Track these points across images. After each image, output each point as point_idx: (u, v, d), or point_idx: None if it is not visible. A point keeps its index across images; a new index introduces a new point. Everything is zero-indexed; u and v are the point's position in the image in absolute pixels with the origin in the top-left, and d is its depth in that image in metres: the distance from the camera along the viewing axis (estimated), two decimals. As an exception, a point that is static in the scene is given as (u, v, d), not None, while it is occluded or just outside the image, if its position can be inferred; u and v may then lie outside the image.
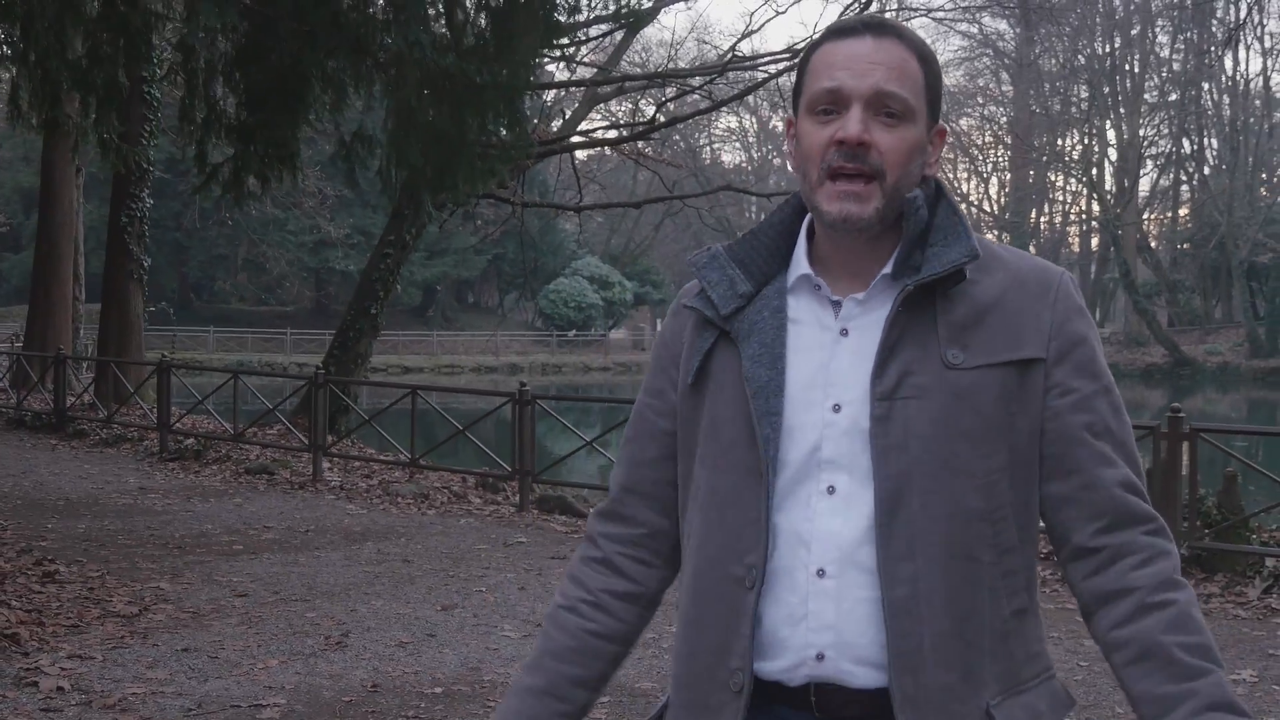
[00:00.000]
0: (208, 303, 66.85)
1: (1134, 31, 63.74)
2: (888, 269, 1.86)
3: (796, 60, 30.15)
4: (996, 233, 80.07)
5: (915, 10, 26.61)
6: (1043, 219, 79.31)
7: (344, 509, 12.42)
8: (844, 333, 1.86)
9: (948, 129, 2.00)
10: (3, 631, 7.02)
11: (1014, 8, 39.90)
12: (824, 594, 1.78)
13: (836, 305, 1.89)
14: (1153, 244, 68.45)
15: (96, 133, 14.81)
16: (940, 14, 33.16)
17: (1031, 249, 74.77)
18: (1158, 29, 64.23)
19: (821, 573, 1.79)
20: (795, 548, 1.81)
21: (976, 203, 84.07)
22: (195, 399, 17.31)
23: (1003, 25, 63.14)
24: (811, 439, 1.82)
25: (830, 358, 1.85)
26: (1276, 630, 7.72)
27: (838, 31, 1.89)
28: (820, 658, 1.78)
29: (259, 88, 11.65)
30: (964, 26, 63.99)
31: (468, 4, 11.20)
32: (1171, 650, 1.71)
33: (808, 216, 1.97)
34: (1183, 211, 70.70)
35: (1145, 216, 69.50)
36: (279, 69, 11.00)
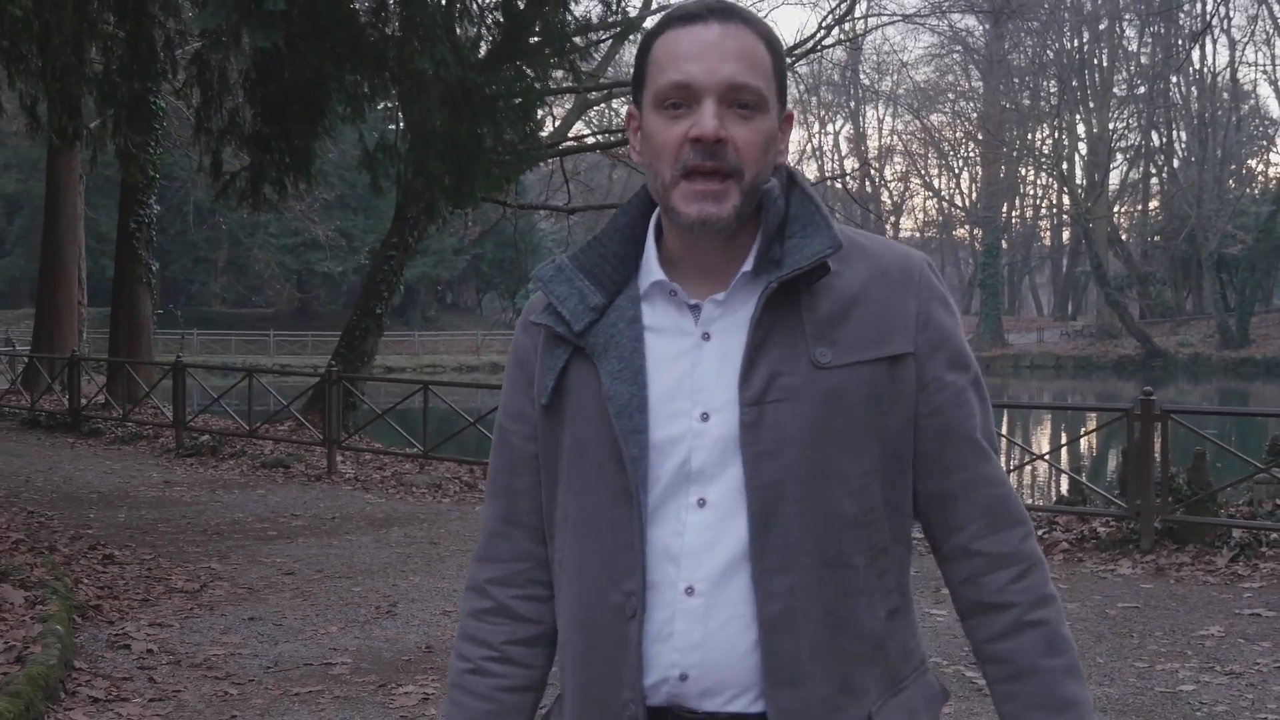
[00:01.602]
0: (188, 305, 67.25)
1: (1102, 26, 64.54)
2: (748, 266, 1.77)
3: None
4: (968, 228, 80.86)
5: (889, 15, 27.13)
6: (1014, 213, 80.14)
7: (363, 498, 13.11)
8: (705, 337, 1.78)
9: (794, 114, 1.91)
10: (87, 604, 7.73)
11: (984, 7, 40.58)
12: (691, 613, 1.72)
13: (695, 309, 1.79)
14: (1124, 237, 69.30)
15: (115, 143, 15.45)
16: (917, 19, 33.85)
17: (1004, 243, 75.67)
18: (1126, 23, 65.10)
19: (690, 590, 1.72)
20: (664, 564, 1.74)
21: (948, 198, 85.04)
22: (205, 398, 17.96)
23: (972, 21, 63.98)
24: (680, 452, 1.74)
25: (694, 365, 1.77)
26: (1242, 593, 8.43)
27: (681, 18, 1.78)
28: (683, 678, 1.73)
29: (277, 99, 12.28)
30: (933, 23, 65.11)
31: (478, 19, 11.88)
32: (1044, 676, 1.76)
33: (653, 216, 1.88)
34: (1153, 204, 71.57)
35: (1116, 210, 70.35)
36: (298, 82, 11.62)
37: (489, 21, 12.17)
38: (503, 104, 11.02)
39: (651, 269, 1.83)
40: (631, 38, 17.19)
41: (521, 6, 12.12)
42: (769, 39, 1.79)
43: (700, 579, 1.72)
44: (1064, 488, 14.77)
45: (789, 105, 1.86)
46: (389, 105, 12.33)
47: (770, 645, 1.69)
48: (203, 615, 7.81)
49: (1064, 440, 22.62)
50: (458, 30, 11.45)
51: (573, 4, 10.92)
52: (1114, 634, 7.34)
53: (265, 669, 6.66)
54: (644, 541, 1.74)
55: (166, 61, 13.66)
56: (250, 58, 10.48)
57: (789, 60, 32.13)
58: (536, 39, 12.16)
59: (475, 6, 12.81)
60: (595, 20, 18.20)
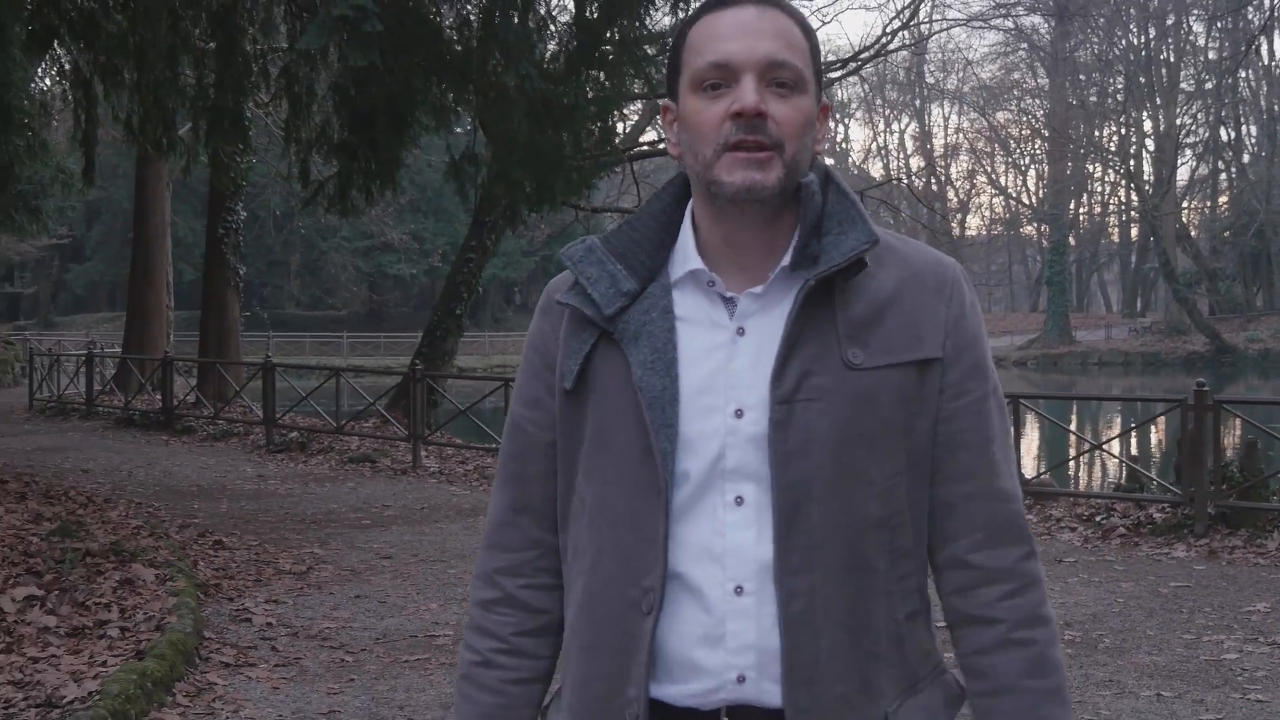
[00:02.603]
0: (262, 308, 68.49)
1: (1169, 22, 64.31)
2: (786, 260, 1.75)
3: (849, 69, 31.32)
4: (1036, 225, 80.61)
5: (954, 18, 27.50)
6: (1082, 210, 79.89)
7: (448, 491, 13.73)
8: (740, 331, 1.75)
9: (831, 106, 1.91)
10: (208, 582, 8.38)
11: (1049, 9, 40.72)
12: (743, 612, 1.70)
13: (729, 302, 1.77)
14: (1193, 233, 68.96)
15: (208, 153, 16.17)
16: (978, 22, 34.07)
17: (1071, 241, 75.40)
18: (1193, 18, 64.81)
19: (740, 590, 1.70)
20: (707, 564, 1.71)
21: (1015, 195, 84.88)
22: (288, 396, 18.68)
23: (1037, 19, 63.97)
24: (713, 449, 1.72)
25: (728, 359, 1.74)
26: (1291, 574, 8.90)
27: (717, 4, 1.78)
28: (741, 680, 1.70)
29: (366, 111, 12.91)
30: (998, 21, 65.15)
31: (556, 35, 12.47)
32: (1024, 696, 1.74)
33: (689, 205, 1.86)
34: (1222, 200, 71.20)
35: (1184, 205, 70.04)
36: (386, 94, 12.23)
37: (564, 34, 12.72)
38: (580, 113, 11.57)
39: (688, 257, 1.80)
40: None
41: (594, 19, 12.71)
42: (803, 24, 1.79)
43: (748, 577, 1.70)
44: (1124, 476, 15.15)
45: (825, 99, 1.85)
46: (471, 116, 12.91)
47: (790, 645, 1.68)
48: (312, 594, 8.44)
49: (1119, 431, 22.88)
50: (536, 44, 12.03)
51: (646, 16, 11.38)
52: (1165, 610, 7.80)
53: (375, 640, 7.26)
54: (668, 540, 1.72)
55: (260, 75, 14.31)
56: (346, 73, 11.07)
57: (856, 63, 32.60)
58: (610, 50, 12.74)
59: (550, 23, 13.42)
60: (666, 29, 18.76)
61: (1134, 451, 15.28)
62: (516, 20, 11.49)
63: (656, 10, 12.51)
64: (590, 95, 11.66)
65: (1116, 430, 24.79)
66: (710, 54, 1.72)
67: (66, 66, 16.10)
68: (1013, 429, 12.85)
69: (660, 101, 1.94)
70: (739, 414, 1.72)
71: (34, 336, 45.14)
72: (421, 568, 9.36)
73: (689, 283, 1.79)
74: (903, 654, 1.76)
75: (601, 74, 11.75)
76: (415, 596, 8.38)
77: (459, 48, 11.72)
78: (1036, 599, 1.78)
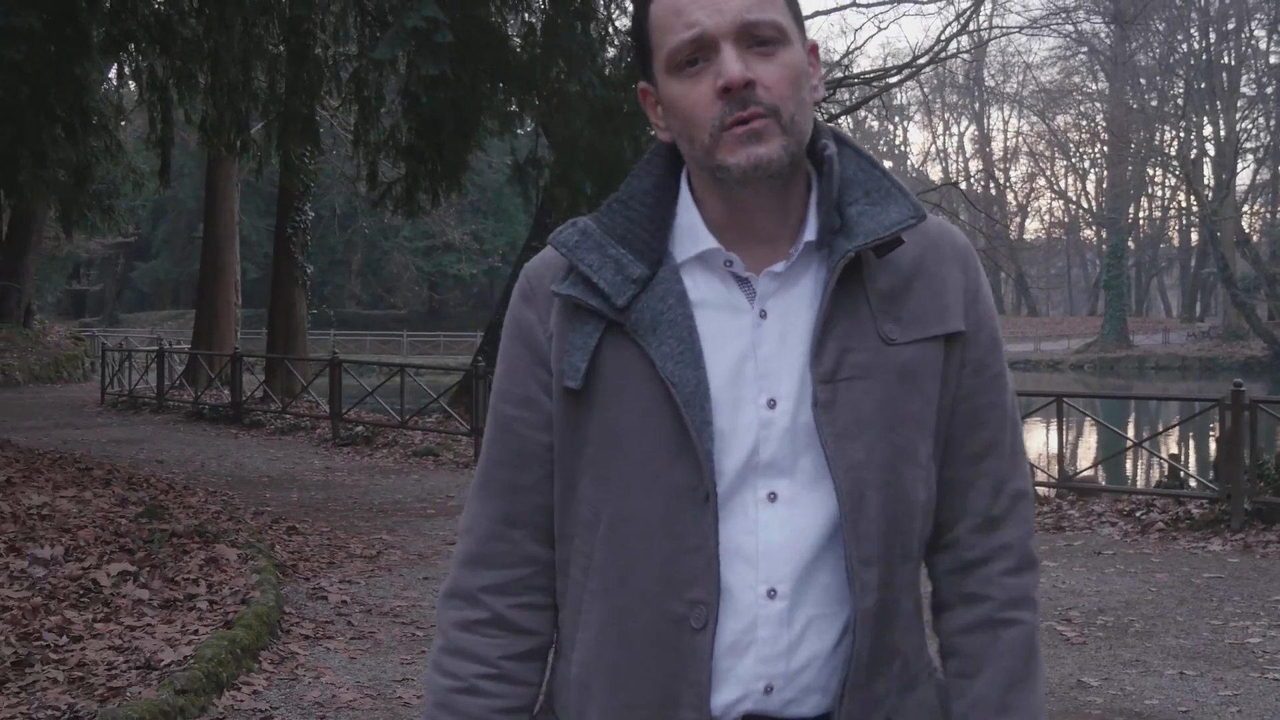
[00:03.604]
0: (323, 306, 69.38)
1: (1229, 26, 63.99)
2: (810, 235, 1.63)
3: (904, 75, 31.48)
4: (1095, 229, 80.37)
5: (1014, 22, 27.76)
6: (1141, 214, 79.55)
7: (509, 483, 14.17)
8: (763, 315, 1.63)
9: (818, 45, 1.74)
10: (285, 563, 8.88)
11: (1108, 12, 40.75)
12: (774, 617, 1.59)
13: (744, 283, 1.64)
14: (1254, 238, 68.54)
15: (279, 154, 16.74)
16: (1032, 30, 34.17)
17: (1130, 245, 75.08)
18: (1255, 23, 64.45)
19: (772, 593, 1.59)
20: (739, 566, 1.59)
21: (1074, 199, 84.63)
22: (352, 392, 19.23)
23: (1097, 23, 63.80)
24: (747, 443, 1.60)
25: (753, 346, 1.62)
26: (1326, 568, 9.20)
27: None
28: (768, 690, 1.60)
29: (433, 116, 13.40)
30: (1058, 25, 65.00)
31: (616, 39, 12.92)
32: (1000, 676, 1.69)
33: (684, 179, 1.72)
34: (1282, 204, 70.72)
35: (1244, 210, 69.64)
36: (453, 100, 12.71)
37: (625, 41, 13.16)
38: (640, 118, 12.00)
39: (698, 236, 1.66)
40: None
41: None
42: None
43: (781, 580, 1.59)
44: (1164, 474, 15.42)
45: (810, 36, 1.69)
46: (534, 120, 13.41)
47: (860, 644, 1.58)
48: (383, 575, 8.91)
49: (1161, 429, 23.09)
50: (597, 52, 12.50)
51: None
52: (1195, 598, 8.14)
53: (443, 617, 7.71)
54: (717, 545, 1.58)
55: (332, 80, 14.83)
56: (416, 80, 11.55)
57: (912, 69, 32.61)
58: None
59: (611, 29, 13.88)
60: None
61: (1175, 450, 15.54)
62: (579, 29, 11.96)
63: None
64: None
65: (1152, 428, 24.95)
66: (680, 30, 1.58)
67: (142, 70, 16.64)
68: (1056, 428, 13.18)
69: (638, 86, 1.77)
70: (771, 404, 1.61)
71: (101, 333, 46.05)
72: (485, 553, 9.81)
73: (698, 265, 1.66)
74: (914, 647, 1.69)
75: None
76: (480, 579, 8.84)
77: (524, 56, 12.22)
78: (1031, 581, 1.74)
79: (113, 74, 21.56)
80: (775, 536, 1.60)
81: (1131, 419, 29.67)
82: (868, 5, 27.05)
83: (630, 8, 14.04)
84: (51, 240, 36.93)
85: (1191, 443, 21.16)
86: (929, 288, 1.67)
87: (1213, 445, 24.52)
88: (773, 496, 1.60)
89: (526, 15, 13.12)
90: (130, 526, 8.76)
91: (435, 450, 16.44)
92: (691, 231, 1.67)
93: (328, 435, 18.22)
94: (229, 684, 5.99)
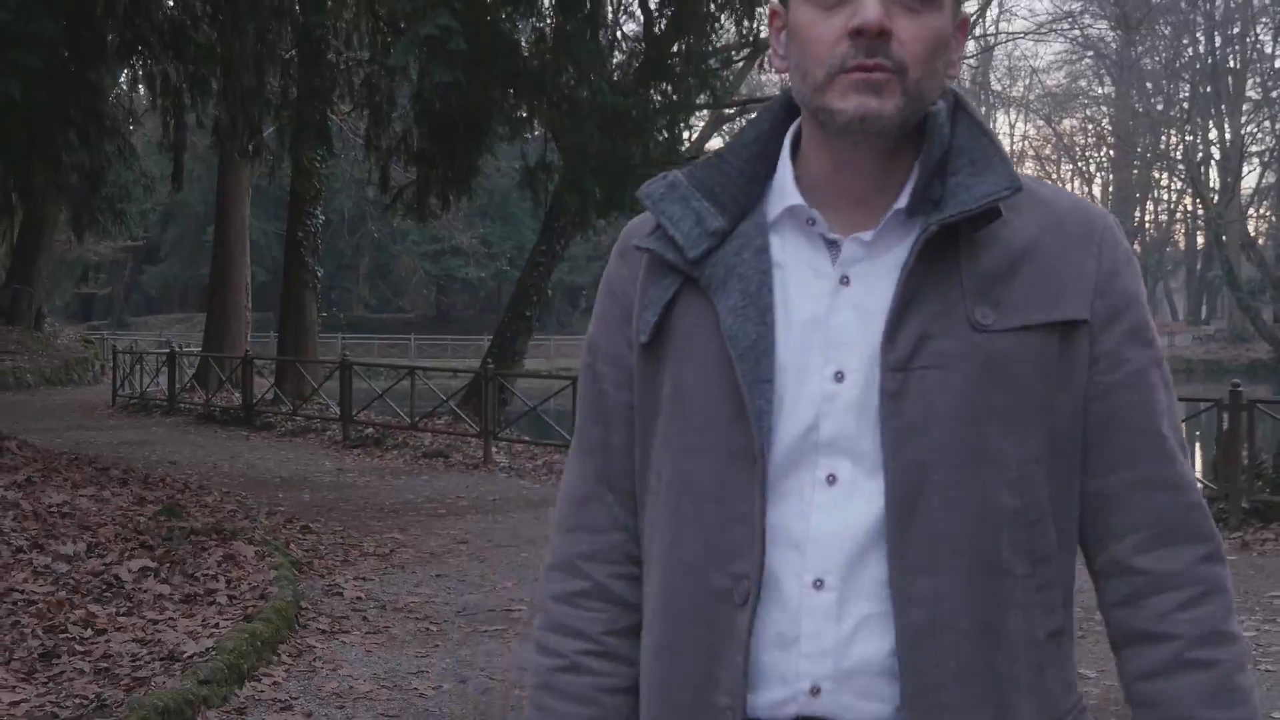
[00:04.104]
0: (331, 309, 69.50)
1: (1234, 30, 64.07)
2: (901, 202, 1.51)
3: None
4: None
5: (1021, 25, 27.88)
6: (1148, 218, 79.63)
7: (518, 484, 14.35)
8: (844, 281, 1.52)
9: (970, 19, 1.58)
10: (301, 561, 9.05)
11: (1114, 17, 40.86)
12: (821, 611, 1.47)
13: (833, 246, 1.54)
14: (1261, 241, 68.60)
15: (292, 158, 16.92)
16: (1038, 35, 34.25)
17: (1137, 248, 75.18)
18: (1260, 27, 64.53)
19: (819, 584, 1.47)
20: (785, 551, 1.48)
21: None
22: (362, 393, 19.41)
23: (1104, 27, 63.93)
24: (807, 415, 1.49)
25: (828, 312, 1.51)
26: (1324, 568, 9.36)
27: None
28: (815, 691, 1.47)
29: (444, 121, 13.57)
30: (1064, 28, 65.16)
31: (626, 49, 13.10)
32: None
33: (791, 130, 1.63)
34: (1288, 208, 70.80)
35: (1250, 213, 69.71)
36: (464, 106, 12.88)
37: (634, 48, 13.34)
38: (649, 124, 12.20)
39: (786, 192, 1.57)
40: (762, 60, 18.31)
41: (661, 34, 13.33)
42: None
43: (830, 570, 1.46)
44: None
45: (964, 9, 1.59)
46: (544, 126, 13.61)
47: (911, 661, 1.44)
48: (396, 573, 9.08)
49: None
50: (607, 59, 12.69)
51: (711, 32, 12.01)
52: (1194, 595, 8.29)
53: (456, 613, 7.89)
54: (765, 517, 1.48)
55: (344, 86, 15.01)
56: (428, 87, 11.72)
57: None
58: (677, 62, 13.35)
59: (621, 35, 14.07)
60: (732, 42, 19.36)
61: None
62: (588, 36, 12.14)
63: (721, 26, 13.10)
64: (658, 107, 12.29)
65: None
66: None
67: (155, 74, 16.83)
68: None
69: (768, 5, 1.68)
70: (839, 377, 1.49)
71: (109, 336, 46.25)
72: (496, 551, 9.98)
73: (787, 222, 1.57)
74: (1043, 682, 1.49)
75: (668, 86, 12.39)
76: (491, 576, 9.01)
77: (534, 62, 12.39)
78: (1222, 610, 1.49)
79: (124, 78, 21.79)
80: (828, 523, 1.47)
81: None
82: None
83: (639, 13, 14.27)
84: (62, 244, 37.13)
85: (1194, 444, 21.27)
86: (1042, 269, 1.50)
87: (1213, 445, 24.79)
88: (832, 479, 1.48)
89: (536, 22, 13.30)
90: (149, 524, 8.94)
91: (445, 452, 16.60)
92: (781, 187, 1.58)
93: (338, 437, 18.39)
94: (250, 675, 6.17)
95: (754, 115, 1.68)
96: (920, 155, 1.53)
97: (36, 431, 17.98)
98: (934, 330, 1.47)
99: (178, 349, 25.79)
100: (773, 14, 1.61)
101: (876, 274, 1.51)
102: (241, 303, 26.13)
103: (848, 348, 1.49)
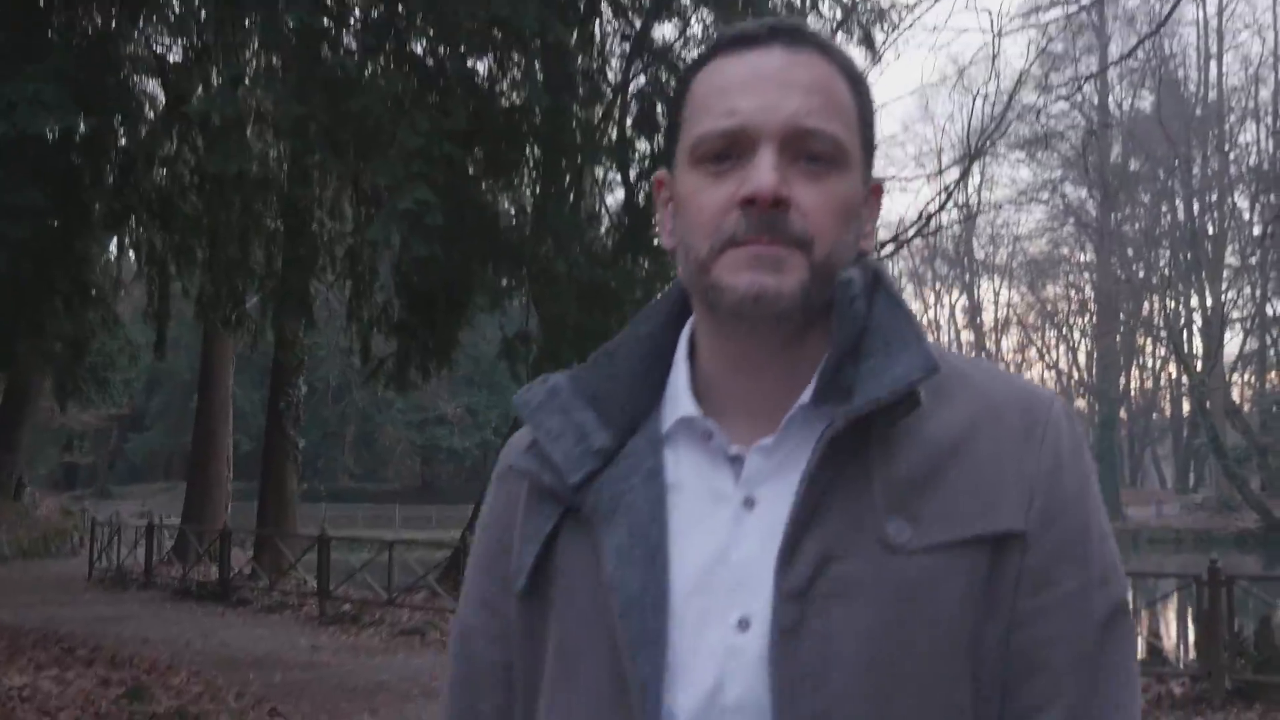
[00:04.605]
0: (315, 479, 69.17)
1: (1212, 198, 65.02)
2: (805, 397, 1.28)
3: (892, 249, 31.62)
4: (1087, 398, 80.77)
5: (997, 203, 28.37)
6: (1133, 383, 79.97)
7: (497, 661, 14.01)
8: (748, 504, 1.27)
9: (883, 186, 1.42)
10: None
11: (1094, 183, 41.57)
12: None
13: (736, 461, 1.29)
14: (1246, 407, 68.79)
15: (274, 329, 16.90)
16: (1018, 202, 34.78)
17: (1122, 414, 75.37)
18: (1237, 193, 65.48)
19: None
20: None
21: (1065, 370, 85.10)
22: (342, 567, 19.10)
23: (1084, 193, 64.91)
24: (708, 678, 1.23)
25: (730, 545, 1.26)
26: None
27: (734, 42, 1.32)
28: None
29: (425, 293, 13.55)
30: (1045, 196, 66.16)
31: (606, 225, 13.15)
32: None
33: (687, 327, 1.39)
34: (1271, 374, 71.15)
35: (1233, 380, 70.02)
36: (444, 278, 12.86)
37: (614, 218, 13.39)
38: (627, 296, 12.16)
39: (680, 399, 1.33)
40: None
41: (642, 205, 13.38)
42: (851, 73, 1.34)
43: None
44: (1146, 651, 15.36)
45: (875, 174, 1.38)
46: (524, 297, 13.61)
47: None
48: (366, 760, 8.77)
49: (1142, 605, 22.92)
50: (585, 231, 12.72)
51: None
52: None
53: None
54: None
55: (327, 257, 15.06)
56: (409, 260, 11.72)
57: (894, 243, 32.66)
58: (656, 234, 13.39)
59: (603, 206, 14.15)
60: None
61: (1145, 626, 15.43)
62: (567, 208, 12.18)
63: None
64: (636, 278, 12.28)
65: (1134, 605, 24.75)
66: (718, 115, 1.28)
67: (142, 243, 16.90)
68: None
69: (655, 175, 1.44)
70: (743, 625, 1.23)
71: (92, 505, 45.87)
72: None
73: (683, 435, 1.33)
74: None
75: (646, 260, 12.39)
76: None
77: (513, 235, 12.42)
78: None
79: (113, 245, 21.91)
80: None
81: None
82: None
83: (619, 187, 14.36)
84: (46, 412, 36.97)
85: (1175, 618, 21.01)
86: (972, 472, 1.24)
87: (1167, 616, 24.45)
88: None
89: (517, 195, 13.39)
90: (111, 708, 8.66)
91: (422, 629, 16.25)
92: (677, 394, 1.34)
93: (314, 613, 18.02)
94: None
95: (651, 303, 1.45)
96: (832, 338, 1.29)
97: (8, 607, 17.64)
98: (838, 550, 1.22)
99: (157, 520, 25.46)
100: (658, 184, 1.42)
101: (783, 488, 1.25)
102: (223, 473, 25.91)
103: (753, 587, 1.23)
